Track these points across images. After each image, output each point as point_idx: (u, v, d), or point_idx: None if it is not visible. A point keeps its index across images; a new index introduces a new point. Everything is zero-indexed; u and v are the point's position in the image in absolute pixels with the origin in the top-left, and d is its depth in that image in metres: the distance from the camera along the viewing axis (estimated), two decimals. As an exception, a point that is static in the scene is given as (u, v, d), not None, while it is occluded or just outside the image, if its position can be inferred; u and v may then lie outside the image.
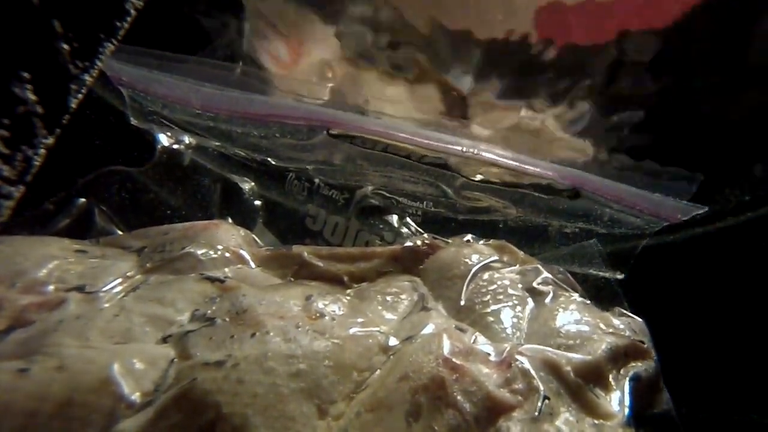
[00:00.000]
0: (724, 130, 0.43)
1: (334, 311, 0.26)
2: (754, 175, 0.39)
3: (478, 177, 0.39)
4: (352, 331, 0.25)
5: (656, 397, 0.26)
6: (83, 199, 0.35)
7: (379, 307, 0.28)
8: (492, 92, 0.47)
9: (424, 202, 0.40)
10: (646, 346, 0.26)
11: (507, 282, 0.29)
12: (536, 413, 0.22)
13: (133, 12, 0.34)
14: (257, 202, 0.41)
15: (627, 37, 0.44)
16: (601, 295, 0.32)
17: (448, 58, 0.47)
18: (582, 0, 0.45)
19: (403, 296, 0.29)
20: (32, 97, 0.31)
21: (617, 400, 0.24)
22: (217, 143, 0.40)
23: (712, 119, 0.43)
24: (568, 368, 0.24)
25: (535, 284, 0.30)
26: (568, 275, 0.31)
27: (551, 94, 0.47)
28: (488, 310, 0.28)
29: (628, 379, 0.25)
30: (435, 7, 0.47)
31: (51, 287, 0.27)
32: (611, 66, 0.45)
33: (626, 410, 0.23)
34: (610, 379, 0.24)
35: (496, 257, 0.31)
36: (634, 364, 0.25)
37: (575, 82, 0.46)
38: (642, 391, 0.25)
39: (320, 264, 0.32)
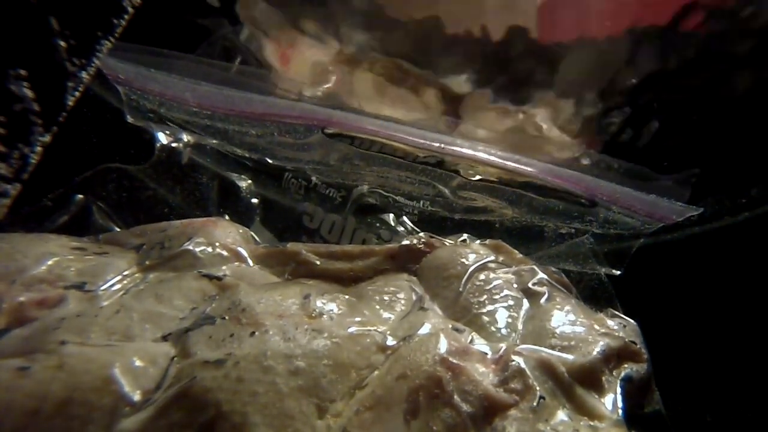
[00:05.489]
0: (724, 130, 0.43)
1: (332, 310, 0.26)
2: (752, 176, 0.39)
3: (475, 177, 0.39)
4: (350, 330, 0.25)
5: (647, 398, 0.26)
6: (81, 196, 0.36)
7: (377, 307, 0.28)
8: (486, 93, 0.47)
9: (421, 201, 0.40)
10: (638, 347, 0.27)
11: (503, 282, 0.30)
12: (532, 413, 0.22)
13: (130, 9, 0.34)
14: (254, 200, 0.41)
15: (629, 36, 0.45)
16: (595, 296, 0.32)
17: (441, 60, 0.48)
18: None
19: (400, 295, 0.29)
20: (29, 94, 0.31)
21: (611, 401, 0.24)
22: (214, 141, 0.40)
23: (712, 119, 0.43)
24: (563, 369, 0.24)
25: (530, 285, 0.30)
26: (563, 276, 0.32)
27: (544, 93, 0.47)
28: (484, 310, 0.28)
29: (620, 380, 0.25)
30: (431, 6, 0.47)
31: (50, 285, 0.27)
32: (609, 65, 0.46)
33: (619, 411, 0.24)
34: (604, 381, 0.25)
35: (492, 257, 0.31)
36: (626, 366, 0.26)
37: (570, 81, 0.47)
38: (633, 392, 0.25)
39: (318, 262, 0.32)
